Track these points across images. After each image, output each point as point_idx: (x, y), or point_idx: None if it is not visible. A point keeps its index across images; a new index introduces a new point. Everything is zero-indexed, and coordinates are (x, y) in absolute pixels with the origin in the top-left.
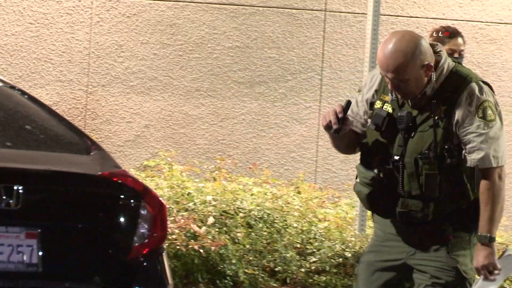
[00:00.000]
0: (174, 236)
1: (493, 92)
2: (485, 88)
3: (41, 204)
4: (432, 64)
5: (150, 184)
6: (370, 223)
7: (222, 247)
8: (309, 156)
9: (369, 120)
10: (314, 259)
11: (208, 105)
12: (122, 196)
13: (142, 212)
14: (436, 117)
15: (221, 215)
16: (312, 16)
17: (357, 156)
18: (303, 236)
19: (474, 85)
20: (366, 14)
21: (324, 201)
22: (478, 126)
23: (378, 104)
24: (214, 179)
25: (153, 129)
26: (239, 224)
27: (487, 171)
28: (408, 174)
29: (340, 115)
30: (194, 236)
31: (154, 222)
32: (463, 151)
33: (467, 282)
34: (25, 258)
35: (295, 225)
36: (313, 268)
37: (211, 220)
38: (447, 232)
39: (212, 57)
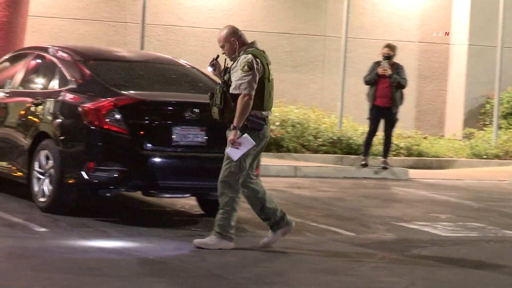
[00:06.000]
0: None
1: (263, 61)
2: (249, 57)
3: (205, 115)
4: (236, 40)
5: None
6: None
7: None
8: None
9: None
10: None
11: None
12: None
13: None
14: (228, 69)
15: None
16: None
17: None
18: None
19: (245, 55)
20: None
21: None
22: (239, 73)
23: (223, 66)
24: None
25: None
26: None
27: (238, 95)
28: (216, 93)
29: (213, 61)
30: None
31: None
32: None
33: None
34: (199, 139)
35: None
36: None
37: None
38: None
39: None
